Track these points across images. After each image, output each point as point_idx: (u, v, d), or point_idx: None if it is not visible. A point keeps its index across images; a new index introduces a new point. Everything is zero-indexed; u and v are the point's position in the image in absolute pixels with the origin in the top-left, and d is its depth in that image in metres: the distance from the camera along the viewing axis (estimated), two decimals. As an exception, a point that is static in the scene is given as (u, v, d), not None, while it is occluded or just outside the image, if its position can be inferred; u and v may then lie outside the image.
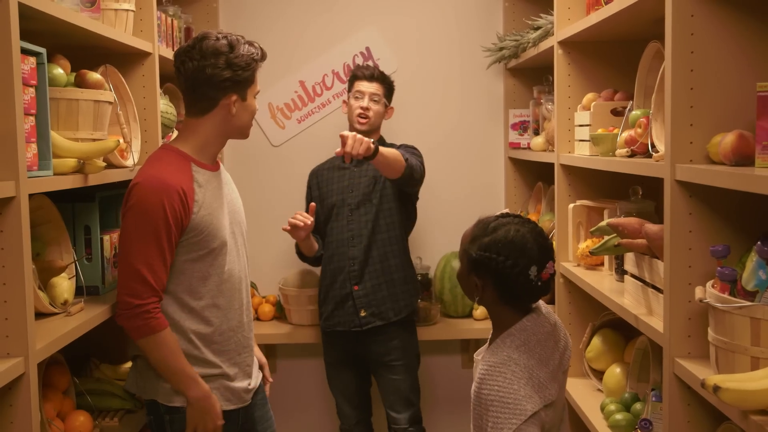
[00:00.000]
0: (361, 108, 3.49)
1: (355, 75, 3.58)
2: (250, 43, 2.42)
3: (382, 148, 3.04)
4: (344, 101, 3.63)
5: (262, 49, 2.45)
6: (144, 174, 2.32)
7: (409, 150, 3.46)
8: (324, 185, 3.59)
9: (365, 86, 3.52)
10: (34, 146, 2.05)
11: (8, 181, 1.84)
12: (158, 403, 2.39)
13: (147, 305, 2.26)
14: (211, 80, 2.35)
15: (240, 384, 2.49)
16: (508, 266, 2.05)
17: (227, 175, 2.58)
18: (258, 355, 2.74)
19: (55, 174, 2.17)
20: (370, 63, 3.66)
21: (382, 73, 3.59)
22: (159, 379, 2.37)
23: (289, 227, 3.31)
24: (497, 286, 2.08)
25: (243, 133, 2.49)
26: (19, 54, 1.89)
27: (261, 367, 2.73)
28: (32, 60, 2.06)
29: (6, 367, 1.81)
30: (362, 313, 3.41)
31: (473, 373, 2.19)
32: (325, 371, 3.63)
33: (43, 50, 2.12)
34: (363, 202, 3.46)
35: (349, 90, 3.59)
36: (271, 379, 2.80)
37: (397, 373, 3.45)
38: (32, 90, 2.05)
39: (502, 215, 2.19)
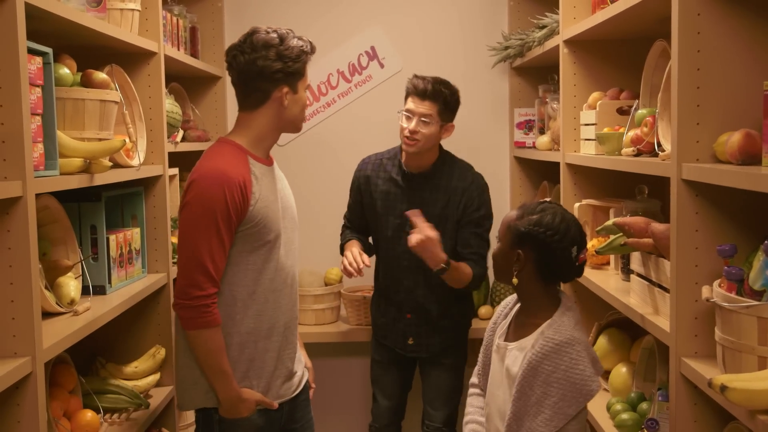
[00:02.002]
0: (409, 131, 3.13)
1: (408, 89, 3.19)
2: (299, 37, 2.45)
3: (454, 265, 2.98)
4: (399, 115, 3.22)
5: (311, 42, 2.47)
6: (204, 167, 2.36)
7: (481, 253, 3.20)
8: (378, 198, 3.30)
9: (416, 105, 3.13)
10: (40, 146, 2.06)
11: (15, 180, 1.84)
12: (209, 409, 2.43)
13: (207, 298, 2.31)
14: (263, 72, 2.39)
15: (279, 381, 2.51)
16: (556, 240, 2.19)
17: (280, 171, 2.60)
18: (304, 358, 2.73)
19: (61, 174, 2.17)
20: (426, 76, 3.19)
21: (437, 88, 3.13)
22: (206, 388, 2.41)
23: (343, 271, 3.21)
24: (540, 260, 2.22)
25: (296, 126, 2.52)
26: (26, 54, 1.89)
27: (306, 370, 2.71)
28: (38, 60, 2.07)
29: (13, 367, 1.81)
30: (410, 341, 3.35)
31: (502, 357, 2.28)
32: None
33: (49, 50, 2.13)
34: None
35: (405, 99, 3.21)
36: (314, 385, 2.79)
37: (444, 371, 3.38)
38: (39, 90, 2.06)
39: (545, 201, 2.33)
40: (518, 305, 2.37)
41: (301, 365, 2.66)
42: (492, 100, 4.22)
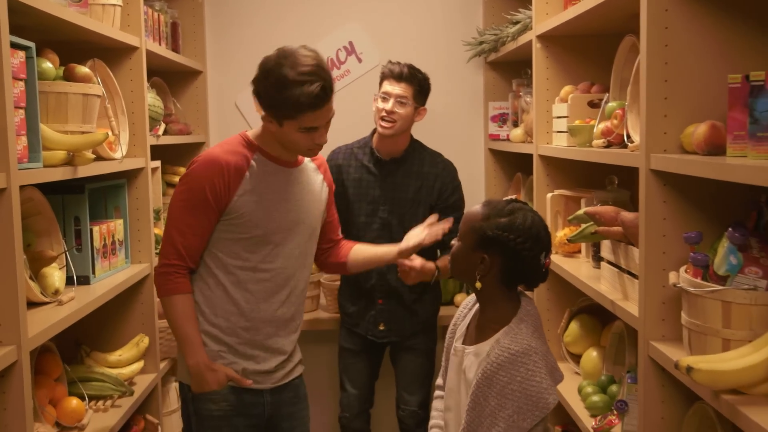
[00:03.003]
0: (386, 111, 3.19)
1: (383, 73, 3.26)
2: (313, 88, 2.26)
3: (442, 267, 2.98)
4: (374, 98, 3.29)
5: (321, 95, 2.28)
6: (203, 153, 2.44)
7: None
8: (350, 185, 3.32)
9: (392, 87, 3.20)
10: (24, 139, 2.04)
11: (0, 172, 1.83)
12: (184, 384, 2.50)
13: (170, 266, 2.39)
14: (257, 94, 2.35)
15: (252, 366, 2.50)
16: (526, 248, 2.05)
17: (312, 176, 2.57)
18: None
19: (45, 166, 2.16)
20: (400, 61, 3.29)
21: (411, 72, 3.23)
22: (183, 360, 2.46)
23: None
24: (506, 266, 2.08)
25: (292, 149, 2.43)
26: (9, 48, 1.88)
27: (299, 367, 2.66)
28: (21, 54, 2.05)
29: (3, 353, 1.80)
30: (381, 327, 3.35)
31: (460, 361, 2.16)
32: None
33: (32, 44, 2.11)
34: (397, 223, 3.26)
35: (380, 85, 3.28)
36: None
37: (417, 355, 3.39)
38: (21, 84, 2.04)
39: (513, 200, 2.19)
40: (477, 306, 2.24)
41: (292, 363, 2.60)
42: (467, 93, 4.23)
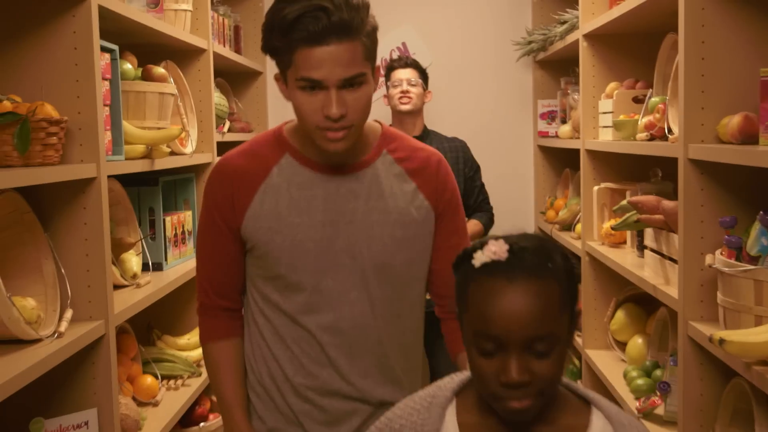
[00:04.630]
0: (402, 92, 3.68)
1: (391, 66, 3.79)
2: (310, 2, 1.59)
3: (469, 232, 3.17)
4: (384, 96, 3.81)
5: (318, 19, 1.58)
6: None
7: (486, 199, 3.76)
8: None
9: (401, 73, 3.72)
10: (108, 134, 2.25)
11: (90, 163, 2.04)
12: None
13: (200, 307, 1.87)
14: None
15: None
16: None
17: (389, 185, 1.78)
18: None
19: (126, 159, 2.37)
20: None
21: (414, 60, 3.81)
22: None
23: None
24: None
25: (308, 131, 1.70)
26: (99, 52, 2.09)
27: None
28: (107, 56, 2.26)
29: (89, 329, 2.01)
30: None
31: None
32: None
33: (115, 47, 2.32)
34: None
35: (387, 81, 3.78)
36: None
37: None
38: (107, 83, 2.25)
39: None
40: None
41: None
42: (517, 92, 4.38)
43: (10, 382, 1.64)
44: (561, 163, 4.28)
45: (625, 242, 3.11)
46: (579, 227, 3.42)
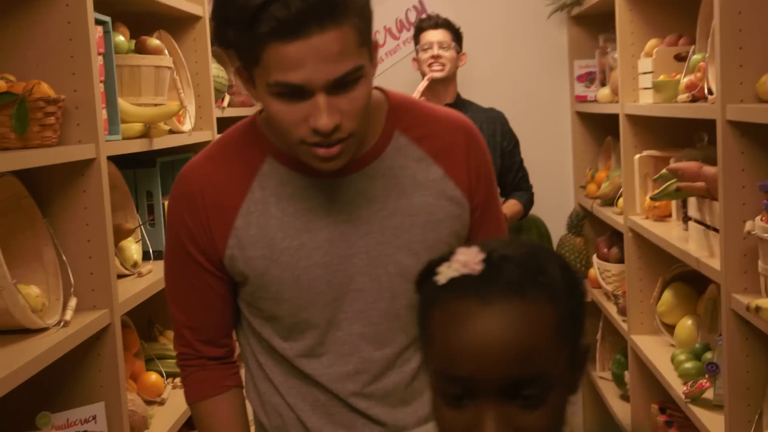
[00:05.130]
0: (432, 57, 3.88)
1: (420, 27, 3.98)
2: None
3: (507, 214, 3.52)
4: (413, 59, 4.03)
5: (292, 5, 1.36)
6: (187, 162, 1.72)
7: (525, 176, 4.04)
8: None
9: (432, 35, 3.91)
10: (104, 112, 2.48)
11: (89, 144, 2.27)
12: None
13: (180, 358, 1.76)
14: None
15: None
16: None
17: (407, 174, 1.63)
18: None
19: (123, 138, 2.60)
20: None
21: (446, 19, 3.99)
22: None
23: None
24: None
25: (290, 144, 1.52)
26: (94, 25, 2.32)
27: None
28: (99, 29, 2.49)
29: (94, 318, 2.25)
30: None
31: None
32: None
33: (108, 19, 2.55)
34: None
35: (416, 44, 3.97)
36: None
37: None
38: (100, 58, 2.48)
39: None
40: None
41: None
42: (550, 52, 4.59)
43: (19, 371, 1.86)
44: (602, 130, 4.48)
45: (670, 215, 3.32)
46: (621, 201, 3.63)
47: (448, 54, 3.90)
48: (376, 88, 1.67)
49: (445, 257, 1.13)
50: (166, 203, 3.06)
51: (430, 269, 1.13)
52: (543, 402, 1.07)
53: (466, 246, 1.13)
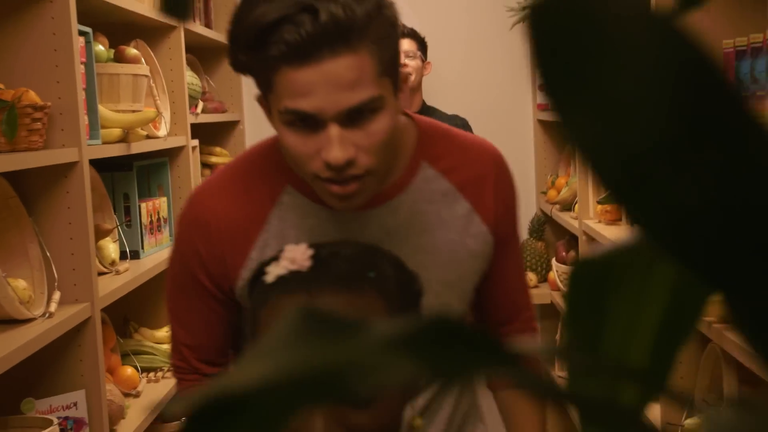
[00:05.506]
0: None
1: None
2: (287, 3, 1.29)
3: None
4: None
5: (302, 26, 1.29)
6: (200, 185, 1.68)
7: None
8: None
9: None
10: (85, 118, 2.66)
11: (72, 147, 2.45)
12: None
13: (176, 369, 1.70)
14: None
15: None
16: None
17: (435, 211, 1.56)
18: None
19: (103, 143, 2.78)
20: None
21: (412, 28, 4.07)
22: None
23: None
24: None
25: (298, 169, 1.47)
26: (78, 36, 2.50)
27: None
28: (81, 39, 2.67)
29: (76, 311, 2.43)
30: None
31: None
32: None
33: (89, 30, 2.73)
34: None
35: None
36: None
37: None
38: (82, 67, 2.66)
39: None
40: None
41: None
42: (512, 61, 4.80)
43: (5, 358, 2.05)
44: (563, 138, 4.68)
45: (621, 219, 3.54)
46: (578, 206, 3.85)
47: (414, 63, 4.03)
48: (404, 113, 1.58)
49: (275, 256, 1.12)
50: (143, 205, 3.25)
51: (260, 270, 1.13)
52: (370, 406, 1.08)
53: (294, 244, 1.13)
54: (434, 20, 4.75)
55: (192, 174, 3.66)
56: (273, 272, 1.10)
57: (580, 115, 0.47)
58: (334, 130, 1.33)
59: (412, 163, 1.54)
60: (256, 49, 1.33)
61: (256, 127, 4.74)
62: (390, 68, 1.39)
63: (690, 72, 0.46)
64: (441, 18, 4.77)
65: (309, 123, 1.35)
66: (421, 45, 4.14)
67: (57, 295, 2.41)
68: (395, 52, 1.42)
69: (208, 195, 1.58)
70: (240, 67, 1.41)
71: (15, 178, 2.43)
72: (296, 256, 1.09)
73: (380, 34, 1.35)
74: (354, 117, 1.34)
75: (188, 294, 1.60)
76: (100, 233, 3.00)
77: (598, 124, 0.47)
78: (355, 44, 1.31)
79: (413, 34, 4.10)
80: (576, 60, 0.47)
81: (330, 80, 1.31)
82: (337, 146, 1.33)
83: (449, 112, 4.21)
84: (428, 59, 4.24)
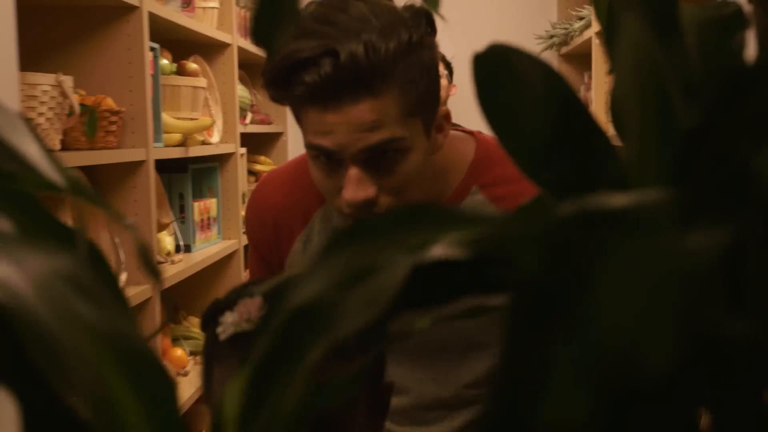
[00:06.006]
0: None
1: None
2: (312, 44, 1.27)
3: None
4: None
5: (322, 69, 1.27)
6: (269, 172, 1.81)
7: None
8: None
9: None
10: (151, 123, 3.06)
11: (141, 148, 2.84)
12: None
13: None
14: None
15: None
16: None
17: None
18: None
19: (165, 146, 3.17)
20: None
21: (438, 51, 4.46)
22: None
23: None
24: None
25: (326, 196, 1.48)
26: (149, 52, 2.90)
27: None
28: (150, 54, 3.07)
29: (140, 290, 2.81)
30: None
31: None
32: None
33: (157, 46, 3.12)
34: None
35: None
36: None
37: None
38: (150, 78, 3.06)
39: None
40: None
41: None
42: (541, 85, 5.15)
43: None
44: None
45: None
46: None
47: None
48: (470, 133, 1.58)
49: (231, 302, 1.02)
50: (196, 204, 3.64)
51: (214, 314, 1.02)
52: None
53: (249, 296, 1.01)
54: (468, 45, 5.08)
55: (239, 179, 4.05)
56: (226, 329, 0.97)
57: (506, 134, 0.78)
58: (353, 170, 1.33)
59: (462, 187, 1.51)
60: (283, 88, 1.34)
61: (298, 139, 5.07)
62: (420, 108, 1.35)
63: (563, 101, 0.82)
64: (474, 43, 5.09)
65: (332, 159, 1.35)
66: (447, 67, 4.42)
67: (124, 276, 2.79)
68: (428, 91, 1.38)
69: (271, 183, 1.67)
70: (273, 99, 1.43)
71: (91, 172, 2.82)
72: (246, 310, 0.99)
73: (408, 76, 1.32)
74: (378, 157, 1.33)
75: (259, 270, 1.68)
76: (159, 226, 3.38)
77: (510, 132, 0.81)
78: (377, 87, 1.29)
79: (439, 57, 4.41)
80: (501, 95, 0.67)
81: (350, 122, 1.30)
82: (354, 186, 1.33)
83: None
84: (454, 82, 4.56)
